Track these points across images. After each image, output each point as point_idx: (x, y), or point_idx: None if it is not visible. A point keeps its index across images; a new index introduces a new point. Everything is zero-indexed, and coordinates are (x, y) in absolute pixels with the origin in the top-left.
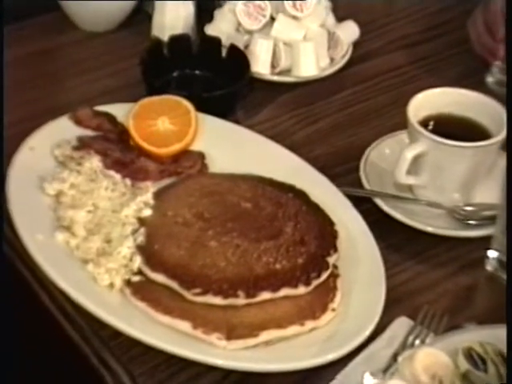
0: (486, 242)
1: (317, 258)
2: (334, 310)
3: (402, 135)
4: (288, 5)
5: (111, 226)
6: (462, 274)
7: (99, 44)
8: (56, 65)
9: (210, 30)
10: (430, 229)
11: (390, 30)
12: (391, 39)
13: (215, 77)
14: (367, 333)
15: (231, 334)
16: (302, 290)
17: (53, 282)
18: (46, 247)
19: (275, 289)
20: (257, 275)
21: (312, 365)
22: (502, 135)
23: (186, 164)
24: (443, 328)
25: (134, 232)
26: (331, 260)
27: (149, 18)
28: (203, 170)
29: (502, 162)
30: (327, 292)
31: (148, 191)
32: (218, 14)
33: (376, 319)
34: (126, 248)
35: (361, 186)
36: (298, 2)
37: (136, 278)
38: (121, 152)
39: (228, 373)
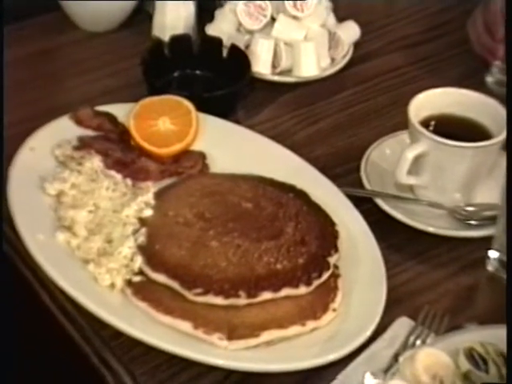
0: (487, 242)
1: (318, 258)
2: (334, 310)
3: (403, 135)
4: (289, 5)
5: (112, 226)
6: (463, 274)
7: (100, 44)
8: (56, 65)
9: (211, 30)
10: (430, 229)
11: (390, 31)
12: (392, 39)
13: (216, 77)
14: (368, 333)
15: (232, 334)
16: (303, 290)
17: (54, 281)
18: (46, 247)
19: (276, 289)
20: (258, 275)
21: (313, 365)
22: (503, 135)
23: (186, 164)
24: (444, 328)
25: (135, 232)
26: (332, 260)
27: (149, 17)
28: (204, 170)
29: (503, 162)
30: (328, 292)
31: (149, 191)
32: (218, 14)
33: (377, 319)
34: (127, 248)
35: (361, 186)
36: (298, 2)
37: (137, 278)
38: (122, 152)
39: (229, 373)
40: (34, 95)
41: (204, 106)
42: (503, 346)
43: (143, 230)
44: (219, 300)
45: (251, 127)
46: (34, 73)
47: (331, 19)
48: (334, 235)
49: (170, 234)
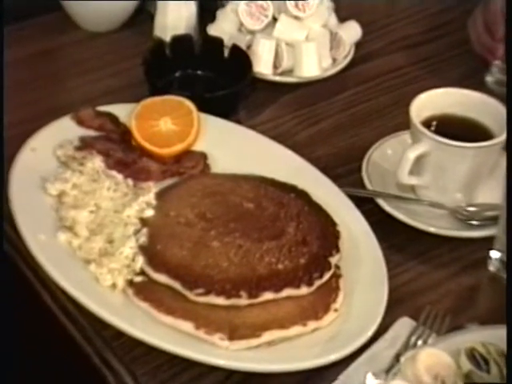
0: (488, 243)
1: (319, 259)
2: (336, 310)
3: (405, 135)
4: (290, 5)
5: (113, 226)
6: (464, 275)
7: (101, 44)
8: (58, 65)
9: (213, 30)
10: (432, 229)
11: (392, 31)
12: (393, 40)
13: (217, 77)
14: (369, 333)
15: (234, 335)
16: (304, 290)
17: (55, 282)
18: (48, 247)
19: (278, 289)
20: (259, 275)
21: (314, 365)
22: (505, 136)
23: (188, 164)
24: (446, 328)
25: (137, 232)
26: (333, 260)
27: (151, 18)
28: (205, 170)
29: (505, 162)
30: (329, 292)
31: (150, 191)
32: (220, 14)
33: (378, 320)
34: (129, 248)
35: (363, 186)
36: (300, 3)
37: (138, 279)
38: (123, 152)
39: (230, 373)
40: (35, 95)
41: (205, 106)
42: (504, 346)
43: (144, 231)
44: (221, 300)
45: (252, 127)
46: (35, 73)
47: (333, 19)
48: (336, 235)
49: (171, 234)
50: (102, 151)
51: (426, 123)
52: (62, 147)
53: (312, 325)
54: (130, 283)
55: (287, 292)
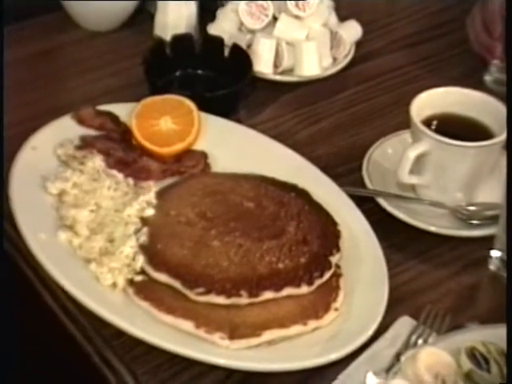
0: (488, 242)
1: (319, 258)
2: (336, 309)
3: (405, 135)
4: (290, 4)
5: (114, 225)
6: (464, 274)
7: (101, 43)
8: (58, 64)
9: (213, 29)
10: (432, 228)
11: (392, 30)
12: (393, 39)
13: (218, 76)
14: (370, 332)
15: (234, 334)
16: (304, 289)
17: (55, 281)
18: (48, 246)
19: (278, 288)
20: (260, 275)
21: (315, 364)
22: (505, 135)
23: (188, 163)
24: (446, 327)
25: (137, 231)
26: (334, 259)
27: (151, 17)
28: (206, 169)
29: (505, 161)
30: (330, 291)
31: (150, 191)
32: (220, 13)
33: (379, 319)
34: (129, 247)
35: (363, 185)
36: (300, 2)
37: (139, 278)
38: (123, 151)
39: (231, 372)
40: (35, 95)
41: (206, 106)
42: (505, 346)
43: (145, 230)
44: (221, 299)
45: (253, 127)
46: (35, 73)
47: (333, 18)
48: (336, 234)
49: (171, 233)
50: (103, 150)
51: (427, 122)
52: (63, 146)
53: (312, 324)
54: (131, 282)
55: (287, 291)
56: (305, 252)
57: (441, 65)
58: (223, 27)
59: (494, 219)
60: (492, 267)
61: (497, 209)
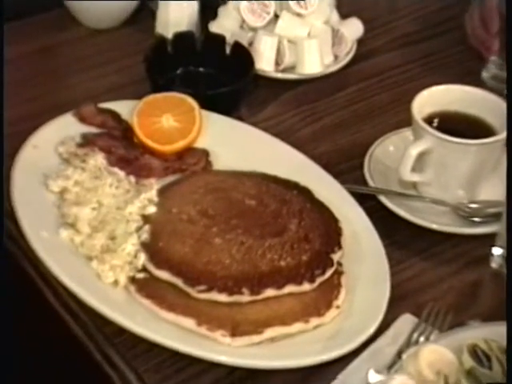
0: (490, 239)
1: (321, 255)
2: (338, 307)
3: (407, 132)
4: (292, 2)
5: (115, 223)
6: (466, 271)
7: (103, 41)
8: (59, 62)
9: (214, 27)
10: (434, 226)
11: (393, 28)
12: (395, 37)
13: (219, 74)
14: (372, 330)
15: (236, 331)
16: (306, 287)
17: (57, 278)
18: (50, 244)
19: (280, 286)
20: (261, 272)
21: (316, 362)
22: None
23: (190, 161)
24: (448, 325)
25: (139, 229)
26: (335, 257)
27: (153, 15)
28: (207, 167)
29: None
30: (331, 289)
31: (152, 188)
32: (222, 11)
33: (380, 316)
34: (131, 245)
35: (365, 183)
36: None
37: (140, 275)
38: (125, 149)
39: (232, 369)
40: (36, 92)
41: (207, 103)
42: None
43: (147, 227)
44: (223, 297)
45: (254, 124)
46: (36, 70)
47: (334, 16)
48: (338, 232)
49: (173, 230)
50: (104, 148)
51: (428, 120)
52: (64, 144)
53: (314, 321)
54: (132, 280)
55: (289, 289)
56: (306, 249)
57: (442, 63)
58: (225, 25)
59: (495, 217)
60: (494, 265)
61: (499, 206)
